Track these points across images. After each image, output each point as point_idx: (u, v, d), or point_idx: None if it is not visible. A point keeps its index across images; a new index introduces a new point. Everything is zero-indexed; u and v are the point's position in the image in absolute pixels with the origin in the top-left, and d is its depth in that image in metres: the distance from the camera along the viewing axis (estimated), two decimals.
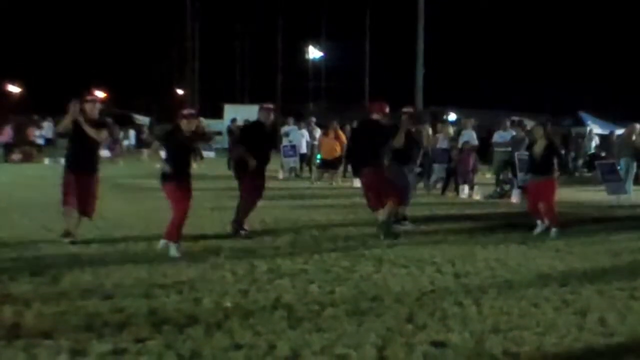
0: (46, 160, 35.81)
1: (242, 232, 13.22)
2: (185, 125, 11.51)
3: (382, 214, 13.09)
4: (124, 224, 13.84)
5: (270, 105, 13.92)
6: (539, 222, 14.25)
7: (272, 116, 13.75)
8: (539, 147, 14.14)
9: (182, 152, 11.57)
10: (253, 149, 13.12)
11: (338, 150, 26.73)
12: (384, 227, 13.10)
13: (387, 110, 13.58)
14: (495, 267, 10.76)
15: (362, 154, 13.61)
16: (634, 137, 22.51)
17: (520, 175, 20.49)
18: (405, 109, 14.45)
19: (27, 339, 6.79)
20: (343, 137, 27.24)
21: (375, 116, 13.60)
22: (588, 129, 40.35)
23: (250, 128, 14.14)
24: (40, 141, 40.66)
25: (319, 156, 27.95)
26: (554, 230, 13.89)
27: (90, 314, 7.71)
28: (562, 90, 66.57)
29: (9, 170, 30.06)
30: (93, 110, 12.59)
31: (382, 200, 13.12)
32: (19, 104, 67.39)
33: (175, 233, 11.20)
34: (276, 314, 7.90)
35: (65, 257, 10.82)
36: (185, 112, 11.99)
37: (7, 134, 38.39)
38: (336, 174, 26.86)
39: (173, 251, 11.03)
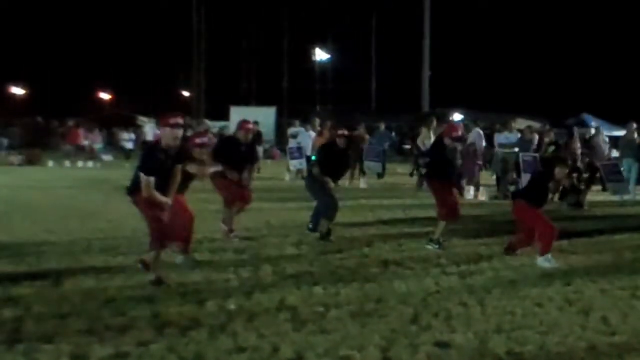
0: (50, 163, 35.70)
1: (231, 235, 13.08)
2: None
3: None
4: (127, 226, 13.75)
5: (250, 126, 13.65)
6: None
7: (250, 136, 13.63)
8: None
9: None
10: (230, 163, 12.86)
11: None
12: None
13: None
14: (500, 268, 10.80)
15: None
16: (635, 136, 22.63)
17: (525, 176, 20.46)
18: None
19: (28, 343, 6.79)
20: None
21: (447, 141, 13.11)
22: (604, 133, 40.16)
23: (227, 142, 14.14)
24: (130, 146, 39.49)
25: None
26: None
27: (92, 317, 7.69)
28: (566, 91, 66.59)
29: (11, 173, 29.97)
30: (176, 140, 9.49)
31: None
32: (23, 106, 67.51)
33: None
34: (280, 316, 7.90)
35: (67, 260, 10.81)
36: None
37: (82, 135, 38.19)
38: None
39: None
